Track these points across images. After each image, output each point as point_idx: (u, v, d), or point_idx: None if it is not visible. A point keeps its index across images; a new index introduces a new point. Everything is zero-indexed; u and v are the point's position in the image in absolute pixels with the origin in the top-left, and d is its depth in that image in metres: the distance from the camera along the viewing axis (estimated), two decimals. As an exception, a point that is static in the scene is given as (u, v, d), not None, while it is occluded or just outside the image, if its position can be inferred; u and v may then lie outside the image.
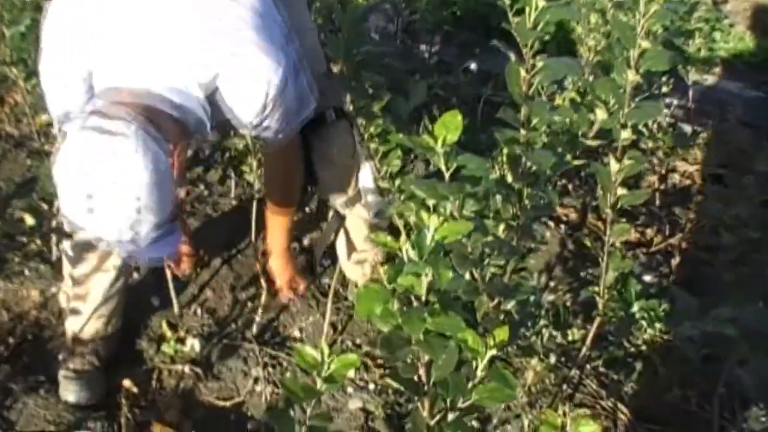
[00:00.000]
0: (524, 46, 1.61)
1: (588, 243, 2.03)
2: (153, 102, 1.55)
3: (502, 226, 1.65)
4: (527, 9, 1.57)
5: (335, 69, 2.18)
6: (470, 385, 1.24)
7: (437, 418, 1.22)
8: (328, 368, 1.43)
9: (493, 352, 1.24)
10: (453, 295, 1.21)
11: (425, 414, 1.23)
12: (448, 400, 1.23)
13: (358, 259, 2.39)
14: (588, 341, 2.08)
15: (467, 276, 1.49)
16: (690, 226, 2.86)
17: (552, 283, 2.72)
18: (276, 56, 1.66)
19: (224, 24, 1.63)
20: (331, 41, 2.15)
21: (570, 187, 3.15)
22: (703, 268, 2.72)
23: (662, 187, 3.16)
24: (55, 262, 2.59)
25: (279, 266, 2.41)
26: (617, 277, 1.98)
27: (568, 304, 2.57)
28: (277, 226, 2.34)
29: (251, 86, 1.67)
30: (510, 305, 1.64)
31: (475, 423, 2.11)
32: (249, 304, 2.58)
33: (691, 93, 3.26)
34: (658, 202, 3.05)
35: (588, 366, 2.26)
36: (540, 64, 1.61)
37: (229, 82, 1.65)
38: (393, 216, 2.05)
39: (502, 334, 1.27)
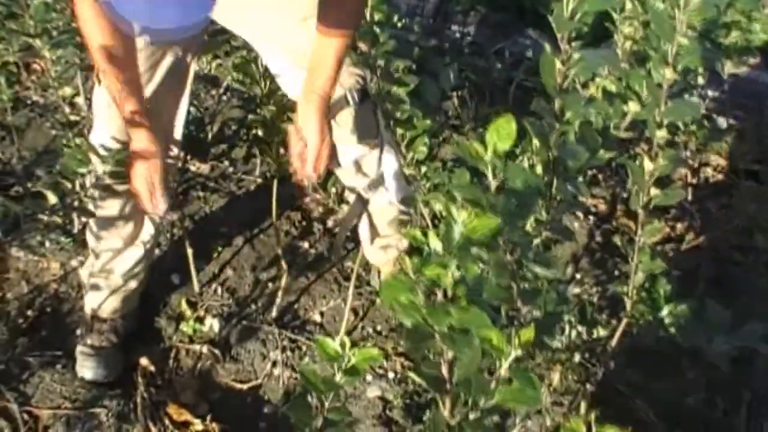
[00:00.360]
0: (561, 38, 1.56)
1: (618, 241, 1.97)
2: None
3: (531, 220, 1.61)
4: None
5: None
6: (493, 385, 1.20)
7: (458, 417, 1.19)
8: (349, 361, 1.40)
9: (518, 352, 1.19)
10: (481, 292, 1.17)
11: (446, 413, 1.19)
12: (470, 400, 1.20)
13: (381, 245, 2.35)
14: (614, 342, 2.04)
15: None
16: (722, 223, 2.80)
17: (578, 276, 2.67)
18: None
19: None
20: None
21: (600, 177, 3.09)
22: (733, 268, 2.66)
23: (694, 181, 3.09)
24: (77, 234, 2.58)
25: (313, 117, 1.93)
26: (646, 277, 1.94)
27: (595, 299, 2.52)
28: (327, 55, 1.91)
29: None
30: (539, 312, 1.60)
31: (495, 416, 2.07)
32: (270, 285, 2.55)
33: (726, 85, 3.18)
34: (689, 197, 2.98)
35: (612, 364, 2.22)
36: (576, 56, 1.56)
37: None
38: (419, 203, 2.01)
39: (527, 333, 1.23)
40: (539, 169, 1.74)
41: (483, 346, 1.16)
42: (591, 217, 2.93)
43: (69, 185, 1.86)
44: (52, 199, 1.85)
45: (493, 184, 1.45)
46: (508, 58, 3.67)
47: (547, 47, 1.58)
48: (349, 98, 2.00)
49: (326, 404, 1.36)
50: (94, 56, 1.77)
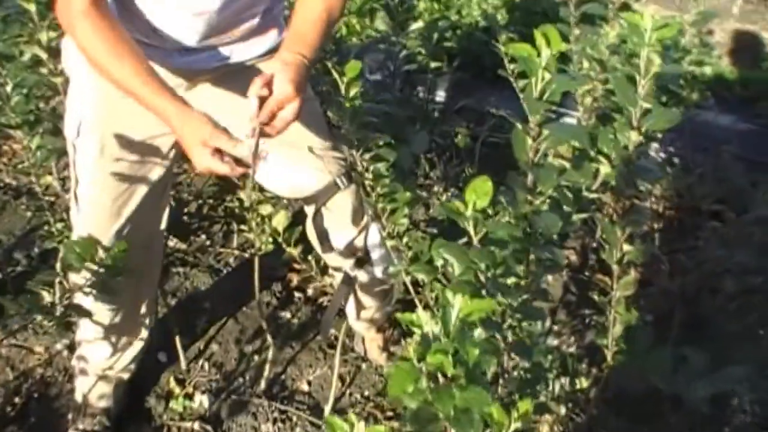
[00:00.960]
0: (532, 114, 1.63)
1: (595, 297, 2.04)
2: None
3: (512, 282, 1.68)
4: (533, 79, 1.59)
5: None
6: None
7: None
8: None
9: (518, 425, 1.25)
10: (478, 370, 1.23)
11: (452, 488, 1.24)
12: (475, 474, 1.24)
13: (366, 317, 2.40)
14: (597, 392, 2.10)
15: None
16: (691, 267, 2.89)
17: (555, 327, 2.74)
18: None
19: None
20: (333, 103, 2.15)
21: (569, 228, 3.17)
22: (704, 311, 2.74)
23: (660, 225, 3.19)
24: (59, 317, 2.59)
25: (286, 71, 1.71)
26: (624, 328, 2.01)
27: (573, 349, 2.58)
28: (311, 24, 1.82)
29: None
30: (526, 364, 1.66)
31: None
32: (255, 357, 2.58)
33: (686, 130, 3.29)
34: (657, 241, 3.08)
35: (596, 412, 2.27)
36: (545, 132, 1.64)
37: None
38: (401, 274, 2.07)
39: (525, 405, 1.29)
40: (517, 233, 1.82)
41: (485, 421, 1.21)
42: (564, 269, 3.01)
43: (65, 283, 1.85)
44: (47, 297, 1.84)
45: (475, 238, 1.53)
46: (470, 114, 3.79)
47: (519, 125, 1.66)
48: (339, 183, 2.04)
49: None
50: (106, 67, 1.69)
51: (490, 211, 2.12)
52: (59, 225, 2.50)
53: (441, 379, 1.23)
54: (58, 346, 2.58)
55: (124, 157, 1.90)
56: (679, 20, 2.49)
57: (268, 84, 1.67)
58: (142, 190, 1.95)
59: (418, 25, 3.42)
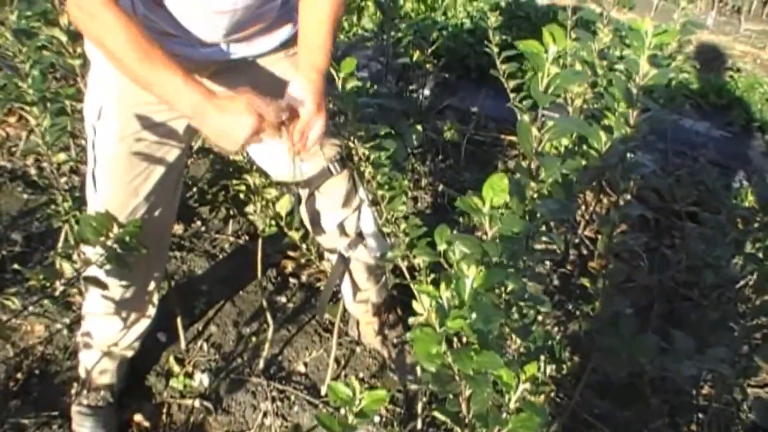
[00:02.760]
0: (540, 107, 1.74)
1: (586, 283, 2.15)
2: None
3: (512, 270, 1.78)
4: (540, 73, 1.69)
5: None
6: (504, 416, 1.36)
7: (477, 448, 1.34)
8: (359, 404, 1.54)
9: (526, 386, 1.36)
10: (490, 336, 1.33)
11: (466, 445, 1.35)
12: (485, 431, 1.35)
13: (361, 298, 2.49)
14: (584, 376, 2.21)
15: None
16: (669, 263, 3.02)
17: (540, 318, 2.85)
18: None
19: None
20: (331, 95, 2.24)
21: (552, 223, 3.29)
22: (683, 304, 2.88)
23: (639, 224, 3.33)
24: (59, 297, 2.67)
25: (312, 93, 1.89)
26: (611, 315, 2.12)
27: (558, 337, 2.70)
28: (320, 29, 1.93)
29: None
30: (524, 347, 1.76)
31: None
32: (253, 339, 2.67)
33: (668, 135, 3.44)
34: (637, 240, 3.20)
35: (581, 397, 2.39)
36: (550, 123, 1.75)
37: None
38: (396, 258, 2.16)
39: (531, 369, 1.40)
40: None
41: (496, 382, 1.32)
42: (547, 262, 3.12)
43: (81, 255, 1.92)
44: (68, 270, 1.90)
45: (490, 233, 1.63)
46: (456, 114, 3.91)
47: (525, 117, 1.77)
48: (332, 168, 2.14)
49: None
50: (125, 58, 1.70)
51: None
52: (66, 204, 2.56)
53: (456, 345, 1.34)
54: (58, 325, 2.64)
55: (144, 138, 1.98)
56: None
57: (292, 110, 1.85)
58: (159, 170, 2.03)
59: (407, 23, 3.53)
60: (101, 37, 1.70)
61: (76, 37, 2.38)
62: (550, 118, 1.83)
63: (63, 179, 3.22)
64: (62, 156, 2.46)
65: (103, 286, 2.04)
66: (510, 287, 1.61)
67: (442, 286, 1.38)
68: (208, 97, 1.73)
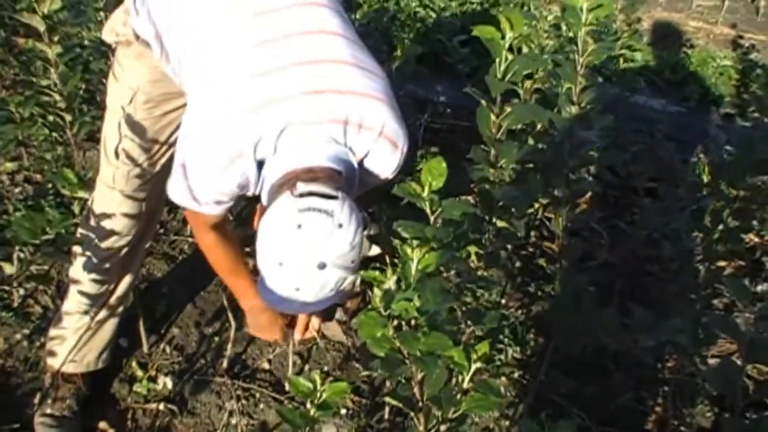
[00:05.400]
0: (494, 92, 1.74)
1: (543, 263, 2.16)
2: (334, 165, 1.67)
3: (474, 254, 1.78)
4: (497, 59, 1.69)
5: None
6: (459, 396, 1.36)
7: (433, 430, 1.33)
8: (321, 396, 1.53)
9: (478, 365, 1.35)
10: (439, 318, 1.32)
11: (421, 428, 1.34)
12: (440, 413, 1.34)
13: None
14: (547, 355, 2.21)
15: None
16: (629, 239, 3.04)
17: (503, 301, 2.85)
18: (404, 126, 1.77)
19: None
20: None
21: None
22: (644, 279, 2.89)
23: (597, 202, 3.34)
24: (17, 308, 2.63)
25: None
26: (571, 293, 2.13)
27: (521, 319, 2.70)
28: None
29: (390, 155, 1.78)
30: (480, 331, 1.76)
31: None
32: (216, 339, 2.65)
33: (621, 112, 3.44)
34: (595, 218, 3.21)
35: (545, 376, 2.39)
36: (508, 109, 1.75)
37: (373, 154, 1.77)
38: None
39: (483, 348, 1.39)
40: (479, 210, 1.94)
41: (448, 364, 1.31)
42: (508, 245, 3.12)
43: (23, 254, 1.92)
44: (9, 269, 1.90)
45: (432, 216, 1.62)
46: (412, 102, 3.89)
47: (483, 102, 1.76)
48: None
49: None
50: (219, 270, 2.23)
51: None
52: (18, 214, 2.51)
53: (405, 328, 1.33)
54: (18, 336, 2.60)
55: (166, 119, 2.10)
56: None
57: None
58: (171, 151, 2.10)
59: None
60: (204, 250, 2.14)
61: (55, 25, 2.38)
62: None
63: (17, 189, 3.18)
64: (9, 165, 2.42)
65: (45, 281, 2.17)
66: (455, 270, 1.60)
67: (389, 270, 1.38)
68: (261, 309, 2.21)
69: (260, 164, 1.71)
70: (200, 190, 1.80)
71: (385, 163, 1.78)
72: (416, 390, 1.33)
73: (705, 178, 2.46)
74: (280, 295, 1.61)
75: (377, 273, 1.40)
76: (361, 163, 1.74)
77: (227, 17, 1.81)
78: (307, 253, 1.56)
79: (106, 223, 2.14)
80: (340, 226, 1.55)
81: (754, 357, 1.49)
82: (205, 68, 1.79)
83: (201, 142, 1.74)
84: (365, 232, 1.64)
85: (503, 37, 1.71)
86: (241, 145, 1.68)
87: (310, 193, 1.58)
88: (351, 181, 1.72)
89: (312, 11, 1.83)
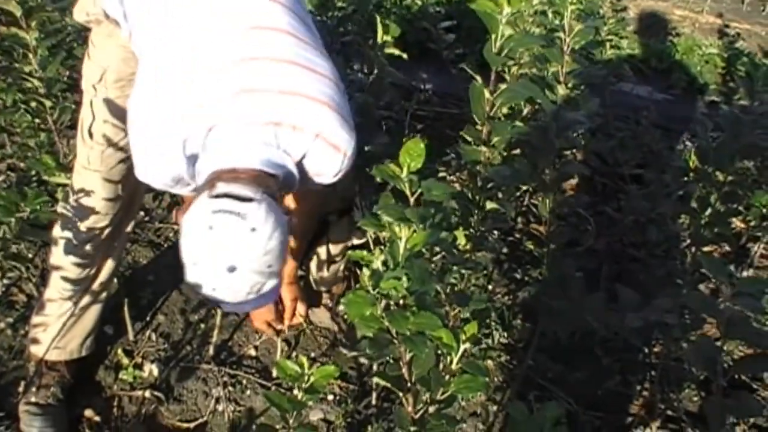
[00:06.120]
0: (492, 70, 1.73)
1: (531, 246, 2.16)
2: (264, 168, 1.63)
3: (462, 236, 1.77)
4: (493, 36, 1.68)
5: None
6: (447, 377, 1.35)
7: (421, 411, 1.32)
8: (309, 380, 1.52)
9: (467, 346, 1.35)
10: (428, 298, 1.31)
11: (409, 408, 1.33)
12: (429, 394, 1.33)
13: (333, 269, 2.64)
14: (534, 340, 2.21)
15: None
16: (615, 225, 3.04)
17: (490, 286, 2.85)
18: (350, 130, 1.73)
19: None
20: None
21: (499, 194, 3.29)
22: (630, 264, 2.90)
23: (585, 188, 3.34)
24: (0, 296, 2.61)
25: (287, 287, 2.51)
26: (558, 277, 2.12)
27: (508, 304, 2.70)
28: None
29: (330, 158, 1.73)
30: (467, 313, 1.75)
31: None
32: (202, 326, 2.63)
33: (607, 99, 3.45)
34: (582, 204, 3.21)
35: (533, 361, 2.39)
36: (503, 86, 1.74)
37: (311, 156, 1.72)
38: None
39: (471, 329, 1.38)
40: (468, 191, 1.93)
41: (436, 345, 1.30)
42: (495, 231, 3.12)
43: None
44: None
45: (411, 197, 1.61)
46: (398, 90, 3.87)
47: (479, 79, 1.75)
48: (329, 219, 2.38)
49: (291, 422, 1.48)
50: None
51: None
52: None
53: (394, 308, 1.32)
54: (1, 325, 2.58)
55: None
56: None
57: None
58: None
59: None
60: None
61: (32, 10, 2.37)
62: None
63: (0, 177, 3.16)
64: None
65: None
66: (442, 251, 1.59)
67: (377, 250, 1.37)
68: None
69: (193, 160, 1.69)
70: (149, 175, 1.79)
71: (324, 165, 1.74)
72: (405, 370, 1.32)
73: (691, 164, 2.46)
74: (203, 293, 1.58)
75: (365, 253, 1.39)
76: (300, 164, 1.71)
77: (183, 13, 1.79)
78: (217, 256, 1.53)
79: (85, 202, 2.12)
80: (253, 230, 1.52)
81: (732, 333, 1.50)
82: (150, 63, 1.78)
83: (136, 136, 1.75)
84: (290, 237, 1.62)
85: (501, 12, 1.70)
86: (168, 146, 1.68)
87: (226, 195, 1.55)
88: (290, 183, 1.70)
89: (265, 7, 1.79)
